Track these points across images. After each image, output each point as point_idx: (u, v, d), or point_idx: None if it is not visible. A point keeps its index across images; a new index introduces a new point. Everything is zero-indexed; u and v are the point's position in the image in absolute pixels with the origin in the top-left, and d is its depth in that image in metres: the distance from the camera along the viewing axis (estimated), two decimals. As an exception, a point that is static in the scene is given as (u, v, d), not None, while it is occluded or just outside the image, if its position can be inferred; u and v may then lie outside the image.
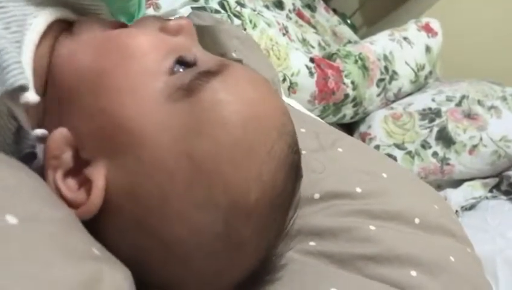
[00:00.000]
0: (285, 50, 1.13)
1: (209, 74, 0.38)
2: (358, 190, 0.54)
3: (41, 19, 0.42)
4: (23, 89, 0.37)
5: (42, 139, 0.39)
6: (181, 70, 0.39)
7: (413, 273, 0.48)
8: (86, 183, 0.37)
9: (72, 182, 0.38)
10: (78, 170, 0.38)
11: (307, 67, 1.14)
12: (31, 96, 0.38)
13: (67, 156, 0.38)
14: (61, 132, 0.37)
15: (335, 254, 0.48)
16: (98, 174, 0.37)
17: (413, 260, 0.49)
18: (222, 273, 0.39)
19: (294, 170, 0.40)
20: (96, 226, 0.37)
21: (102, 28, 0.43)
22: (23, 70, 0.38)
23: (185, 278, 0.38)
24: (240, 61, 0.44)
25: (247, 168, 0.36)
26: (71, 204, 0.37)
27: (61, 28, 0.44)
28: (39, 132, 0.39)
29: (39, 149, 0.39)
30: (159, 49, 0.40)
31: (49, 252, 0.30)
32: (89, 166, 0.37)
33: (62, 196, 0.37)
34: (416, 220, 0.53)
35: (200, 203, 0.36)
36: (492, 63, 1.74)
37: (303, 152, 0.55)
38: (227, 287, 0.40)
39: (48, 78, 0.42)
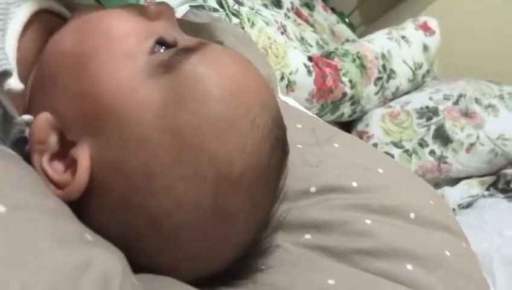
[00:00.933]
0: (284, 49, 1.13)
1: (189, 50, 0.39)
2: (354, 184, 0.54)
3: (24, 9, 0.42)
4: (6, 74, 0.38)
5: (30, 125, 0.39)
6: (161, 51, 0.40)
7: (409, 267, 0.48)
8: (72, 165, 0.38)
9: (58, 165, 0.38)
10: (64, 152, 0.38)
11: (305, 65, 1.15)
12: (14, 83, 0.38)
13: (53, 140, 0.38)
14: (45, 116, 0.38)
15: (331, 247, 0.48)
16: (83, 154, 0.37)
17: (409, 254, 0.49)
18: (212, 250, 0.39)
19: (279, 145, 0.41)
20: (84, 209, 0.37)
21: (91, 11, 0.43)
22: (6, 56, 0.38)
23: (174, 256, 0.38)
24: (220, 43, 0.44)
25: (230, 140, 0.37)
26: (58, 186, 0.37)
27: (49, 19, 0.44)
28: (26, 117, 0.39)
29: (28, 133, 0.40)
30: (140, 31, 0.41)
31: (40, 239, 0.30)
32: (74, 147, 0.38)
33: (49, 179, 0.38)
34: (412, 215, 0.53)
35: (186, 177, 0.36)
36: (490, 61, 1.75)
37: (299, 146, 0.56)
38: (219, 264, 0.41)
39: (35, 65, 0.42)
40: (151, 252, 0.38)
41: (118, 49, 0.39)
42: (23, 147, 0.40)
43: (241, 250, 0.41)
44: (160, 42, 0.40)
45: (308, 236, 0.49)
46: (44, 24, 0.44)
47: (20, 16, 0.42)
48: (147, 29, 0.41)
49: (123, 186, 0.37)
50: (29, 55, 0.42)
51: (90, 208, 0.38)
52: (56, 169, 0.38)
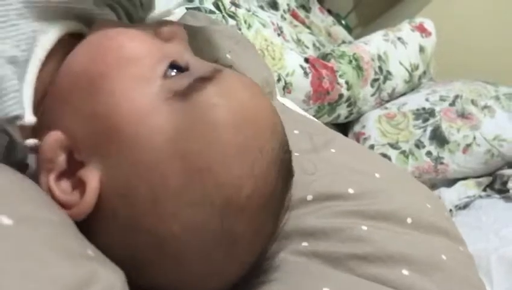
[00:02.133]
0: (280, 50, 1.14)
1: (204, 79, 0.39)
2: (351, 191, 0.54)
3: (50, 35, 0.42)
4: (18, 117, 0.38)
5: (34, 149, 0.39)
6: (173, 74, 0.40)
7: (406, 272, 0.48)
8: (79, 186, 0.38)
9: (65, 184, 0.38)
10: (71, 172, 0.38)
11: (302, 67, 1.15)
12: (27, 119, 0.39)
13: (61, 159, 0.38)
14: (56, 135, 0.38)
15: (327, 254, 0.48)
16: (92, 176, 0.37)
17: (405, 259, 0.49)
18: (216, 273, 0.40)
19: (285, 169, 0.41)
20: (89, 228, 0.37)
21: (104, 30, 0.43)
22: (21, 99, 0.38)
23: (178, 278, 0.39)
24: (230, 66, 0.45)
25: (239, 165, 0.37)
26: (64, 206, 0.37)
27: (71, 40, 0.44)
28: (31, 142, 0.39)
29: (30, 159, 0.40)
30: (154, 54, 0.41)
31: (46, 252, 0.31)
32: (83, 168, 0.38)
33: (55, 198, 0.37)
34: (409, 220, 0.53)
35: (194, 202, 0.37)
36: (486, 63, 1.75)
37: (296, 154, 0.56)
38: (221, 286, 0.41)
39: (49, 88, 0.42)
40: (155, 274, 0.38)
41: (131, 71, 0.39)
42: (24, 172, 0.39)
43: (244, 271, 0.41)
44: (173, 65, 0.40)
45: (305, 244, 0.49)
46: (67, 46, 0.44)
47: (46, 43, 0.41)
48: (160, 51, 0.41)
49: (130, 210, 0.37)
50: (48, 81, 0.42)
51: (95, 229, 0.38)
52: (62, 189, 0.38)
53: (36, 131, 0.40)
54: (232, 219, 0.37)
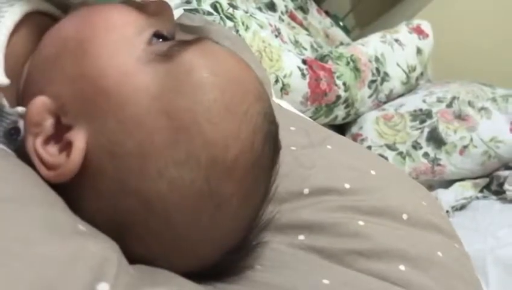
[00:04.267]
0: (278, 52, 1.14)
1: (187, 42, 0.40)
2: (347, 185, 0.54)
3: (17, 8, 0.42)
4: None
5: (23, 116, 0.39)
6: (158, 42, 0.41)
7: (402, 267, 0.48)
8: (66, 148, 0.38)
9: (52, 148, 0.39)
10: (59, 136, 0.39)
11: (299, 68, 1.15)
12: (1, 79, 0.39)
13: (48, 123, 0.38)
14: (42, 99, 0.38)
15: (325, 248, 0.48)
16: (79, 136, 0.38)
17: (402, 255, 0.49)
18: (205, 237, 0.40)
19: (271, 139, 0.41)
20: (76, 195, 0.38)
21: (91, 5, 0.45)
22: None
23: (168, 241, 0.39)
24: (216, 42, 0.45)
25: (225, 125, 0.38)
26: (51, 167, 0.38)
27: (41, 19, 0.45)
28: (20, 109, 0.39)
29: (21, 125, 0.40)
30: (139, 23, 0.42)
31: (31, 230, 0.30)
32: (70, 131, 0.38)
33: (42, 161, 0.38)
34: (404, 216, 0.54)
35: (180, 160, 0.37)
36: (483, 64, 1.76)
37: (293, 148, 0.56)
38: (211, 254, 0.41)
39: (30, 57, 0.43)
40: (144, 237, 0.38)
41: (117, 36, 0.41)
42: (16, 137, 0.40)
43: (233, 242, 0.41)
44: (158, 35, 0.41)
45: (301, 237, 0.49)
46: (37, 23, 0.45)
47: (12, 14, 0.42)
48: (146, 22, 0.42)
49: (118, 169, 0.37)
50: (21, 51, 0.43)
51: (83, 194, 0.38)
52: (50, 152, 0.38)
53: (24, 100, 0.41)
54: (218, 180, 0.38)
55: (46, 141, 0.38)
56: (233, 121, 0.38)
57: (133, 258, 0.38)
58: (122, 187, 0.37)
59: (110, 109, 0.38)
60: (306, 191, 0.53)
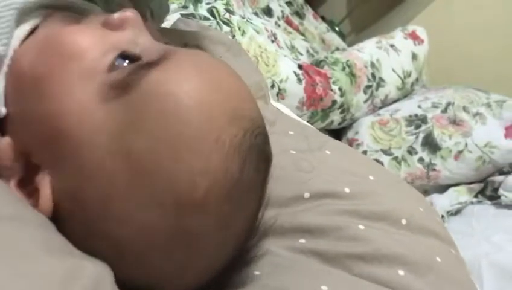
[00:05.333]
0: (274, 57, 1.14)
1: (149, 65, 0.36)
2: (347, 190, 0.54)
3: (25, 27, 0.41)
4: None
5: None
6: (125, 64, 0.37)
7: (401, 272, 0.48)
8: (36, 192, 0.37)
9: (25, 191, 0.37)
10: (31, 177, 0.37)
11: (295, 73, 1.16)
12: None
13: (17, 165, 0.37)
14: (6, 141, 0.37)
15: (325, 252, 0.48)
16: (44, 182, 0.36)
17: (401, 260, 0.49)
18: (186, 268, 0.38)
19: (255, 154, 0.38)
20: (61, 226, 0.37)
21: (53, 25, 0.42)
22: None
23: (145, 278, 0.37)
24: (196, 47, 0.42)
25: (190, 161, 0.34)
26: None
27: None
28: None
29: None
30: (98, 46, 0.38)
31: (30, 248, 0.30)
32: (38, 173, 0.37)
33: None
34: (403, 221, 0.54)
35: (143, 203, 0.35)
36: (478, 70, 1.77)
37: (292, 152, 0.56)
38: (197, 279, 0.39)
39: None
40: (122, 274, 0.36)
41: (73, 68, 0.37)
42: None
43: (221, 263, 0.40)
44: (124, 56, 0.38)
45: (302, 241, 0.49)
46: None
47: (21, 33, 0.41)
48: (108, 41, 0.39)
49: (83, 213, 0.36)
50: None
51: (63, 230, 0.37)
52: (23, 194, 0.37)
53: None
54: (188, 217, 0.35)
55: (19, 183, 0.37)
56: (200, 155, 0.34)
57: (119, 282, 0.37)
58: (91, 231, 0.36)
59: (70, 152, 0.36)
60: (306, 195, 0.52)
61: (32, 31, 0.42)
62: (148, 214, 0.35)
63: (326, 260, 0.48)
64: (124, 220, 0.35)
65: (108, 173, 0.35)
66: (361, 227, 0.51)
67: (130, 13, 0.41)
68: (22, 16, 0.40)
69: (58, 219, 0.36)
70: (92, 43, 0.38)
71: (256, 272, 0.45)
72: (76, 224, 0.36)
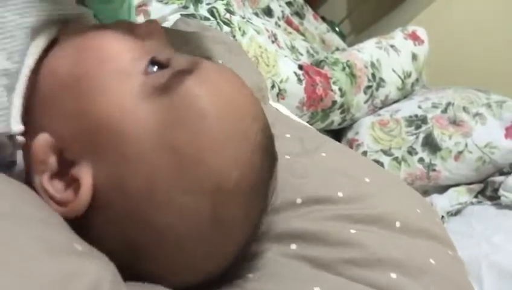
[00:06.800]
0: (274, 57, 1.14)
1: (184, 72, 0.40)
2: (340, 194, 0.54)
3: (39, 42, 0.43)
4: (6, 133, 0.39)
5: (20, 146, 0.40)
6: (155, 70, 0.41)
7: (394, 275, 0.48)
8: (73, 183, 0.38)
9: (59, 184, 0.39)
10: (64, 171, 0.39)
11: (296, 74, 1.16)
12: (14, 128, 0.39)
13: (52, 160, 0.39)
14: (44, 137, 0.38)
15: (317, 257, 0.49)
16: (85, 173, 0.38)
17: (394, 263, 0.49)
18: (210, 257, 0.41)
19: (268, 153, 0.43)
20: (84, 223, 0.38)
21: (82, 32, 0.44)
22: (9, 115, 0.39)
23: (174, 264, 0.40)
24: (209, 58, 0.46)
25: (226, 152, 0.39)
26: (60, 204, 0.38)
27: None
28: (19, 138, 0.40)
29: (18, 155, 0.40)
30: (133, 50, 0.42)
31: (27, 246, 0.31)
32: (75, 166, 0.39)
33: (51, 198, 0.38)
34: (397, 224, 0.54)
35: (187, 190, 0.38)
36: (478, 70, 1.77)
37: (287, 157, 0.56)
38: (214, 270, 0.42)
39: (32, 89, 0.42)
40: (150, 262, 0.39)
41: (112, 68, 0.40)
42: (10, 170, 0.40)
43: (236, 256, 0.43)
44: (153, 62, 0.41)
45: (293, 246, 0.49)
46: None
47: (35, 51, 0.42)
48: (139, 48, 0.42)
49: (125, 203, 0.38)
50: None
51: (91, 223, 0.38)
52: (57, 188, 0.39)
53: (27, 130, 0.40)
54: (222, 204, 0.39)
55: (52, 177, 0.39)
56: (233, 147, 0.39)
57: (140, 274, 0.39)
58: (131, 219, 0.38)
59: (113, 145, 0.38)
60: (299, 200, 0.53)
61: (49, 46, 0.44)
62: (190, 200, 0.38)
63: (318, 266, 0.48)
64: (168, 207, 0.38)
65: (154, 164, 0.38)
66: (353, 231, 0.51)
67: (156, 24, 0.46)
68: (34, 33, 0.42)
69: (91, 210, 0.38)
70: (127, 47, 0.42)
71: (250, 275, 0.46)
72: (114, 214, 0.38)
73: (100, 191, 0.38)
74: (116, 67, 0.40)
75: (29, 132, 0.40)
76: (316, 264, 0.48)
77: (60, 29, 0.45)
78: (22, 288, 0.28)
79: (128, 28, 0.45)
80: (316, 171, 0.57)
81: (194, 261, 0.40)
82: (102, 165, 0.38)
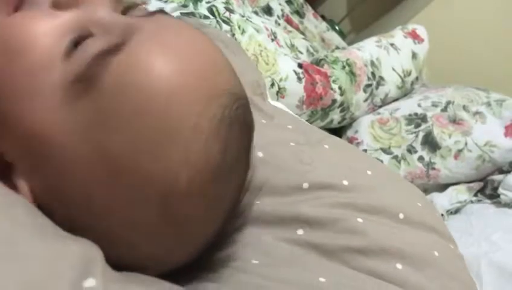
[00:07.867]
0: (274, 56, 1.14)
1: (110, 51, 0.33)
2: (345, 182, 0.54)
3: None
4: None
5: None
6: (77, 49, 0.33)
7: (399, 266, 0.48)
8: (15, 188, 0.35)
9: (5, 185, 0.36)
10: (8, 174, 0.36)
11: (295, 72, 1.15)
12: None
13: None
14: None
15: (322, 244, 0.48)
16: (21, 180, 0.35)
17: (399, 253, 0.49)
18: (177, 247, 0.38)
19: (236, 129, 0.37)
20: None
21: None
22: None
23: (139, 260, 0.37)
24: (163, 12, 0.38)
25: (168, 155, 0.33)
26: None
27: None
28: None
29: None
30: (51, 32, 0.34)
31: (15, 231, 0.30)
32: (14, 172, 0.36)
33: None
34: (401, 215, 0.53)
35: (125, 201, 0.34)
36: (478, 69, 1.77)
37: (292, 144, 0.55)
38: (185, 257, 0.39)
39: None
40: (113, 257, 0.36)
41: (30, 59, 0.33)
42: None
43: (209, 238, 0.40)
44: (82, 37, 0.34)
45: (300, 232, 0.49)
46: None
47: None
48: (60, 24, 0.34)
49: (66, 210, 0.35)
50: None
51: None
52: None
53: None
54: (174, 206, 0.34)
55: None
56: (178, 146, 0.33)
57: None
58: (77, 225, 0.35)
59: (40, 152, 0.34)
60: (305, 185, 0.52)
61: None
62: (132, 210, 0.34)
63: (324, 253, 0.48)
64: (110, 217, 0.34)
65: (86, 174, 0.33)
66: (360, 220, 0.51)
67: None
68: None
69: (43, 212, 0.35)
70: (44, 29, 0.34)
71: (255, 261, 0.45)
72: (60, 219, 0.35)
73: (40, 199, 0.35)
74: (33, 59, 0.33)
75: None
76: (321, 252, 0.48)
77: None
78: (15, 273, 0.28)
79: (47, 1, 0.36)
80: (321, 159, 0.56)
81: (154, 257, 0.37)
82: (34, 172, 0.35)
